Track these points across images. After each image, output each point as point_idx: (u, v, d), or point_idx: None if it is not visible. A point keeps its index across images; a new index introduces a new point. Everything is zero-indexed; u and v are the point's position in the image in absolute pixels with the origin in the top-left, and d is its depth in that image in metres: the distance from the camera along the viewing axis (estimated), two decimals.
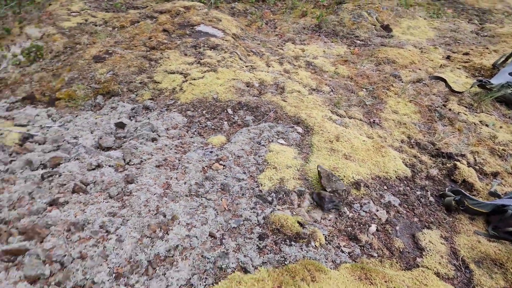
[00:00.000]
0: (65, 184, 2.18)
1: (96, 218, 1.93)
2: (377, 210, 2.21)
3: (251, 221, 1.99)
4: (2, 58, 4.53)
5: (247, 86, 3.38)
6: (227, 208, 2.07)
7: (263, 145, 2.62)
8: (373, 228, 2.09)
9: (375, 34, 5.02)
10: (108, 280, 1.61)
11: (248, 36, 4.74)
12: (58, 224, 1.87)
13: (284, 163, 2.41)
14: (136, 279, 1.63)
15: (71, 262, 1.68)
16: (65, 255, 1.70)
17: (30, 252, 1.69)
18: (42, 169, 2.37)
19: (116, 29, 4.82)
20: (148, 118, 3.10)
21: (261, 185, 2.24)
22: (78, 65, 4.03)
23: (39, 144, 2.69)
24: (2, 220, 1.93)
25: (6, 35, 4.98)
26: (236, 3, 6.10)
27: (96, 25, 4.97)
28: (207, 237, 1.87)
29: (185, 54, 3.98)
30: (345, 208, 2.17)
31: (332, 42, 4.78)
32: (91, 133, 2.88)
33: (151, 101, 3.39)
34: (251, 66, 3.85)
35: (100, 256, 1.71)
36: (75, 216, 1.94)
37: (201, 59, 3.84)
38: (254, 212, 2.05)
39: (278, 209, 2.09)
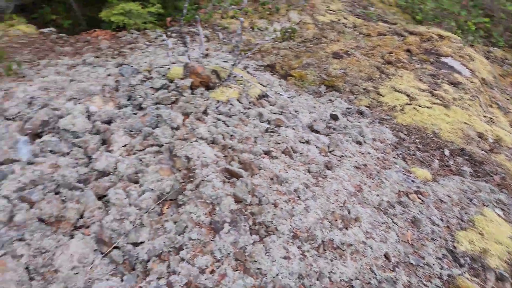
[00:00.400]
0: (279, 143, 2.53)
1: (294, 181, 2.16)
2: None
3: (432, 269, 1.80)
4: (265, 30, 5.55)
5: (479, 137, 2.97)
6: (410, 242, 1.94)
7: (475, 205, 2.28)
8: None
9: None
10: (287, 235, 1.81)
11: (499, 87, 4.12)
12: (266, 170, 2.21)
13: (494, 236, 2.04)
14: (308, 248, 1.77)
15: (266, 204, 1.96)
16: (264, 196, 2.00)
17: (242, 179, 2.07)
18: (267, 124, 2.82)
19: (362, 35, 5.08)
20: (359, 122, 3.19)
21: (457, 242, 1.98)
22: (318, 55, 4.50)
23: (270, 104, 3.20)
24: (231, 146, 2.43)
25: (274, 12, 6.04)
26: (496, 48, 5.35)
27: (345, 26, 5.37)
28: (381, 255, 1.82)
29: (420, 80, 3.83)
30: None
31: None
32: (309, 113, 3.20)
33: (367, 108, 3.45)
34: (490, 118, 3.35)
35: (288, 213, 1.92)
36: (279, 172, 2.24)
37: (435, 90, 3.60)
38: (439, 263, 1.84)
39: (467, 277, 1.80)
